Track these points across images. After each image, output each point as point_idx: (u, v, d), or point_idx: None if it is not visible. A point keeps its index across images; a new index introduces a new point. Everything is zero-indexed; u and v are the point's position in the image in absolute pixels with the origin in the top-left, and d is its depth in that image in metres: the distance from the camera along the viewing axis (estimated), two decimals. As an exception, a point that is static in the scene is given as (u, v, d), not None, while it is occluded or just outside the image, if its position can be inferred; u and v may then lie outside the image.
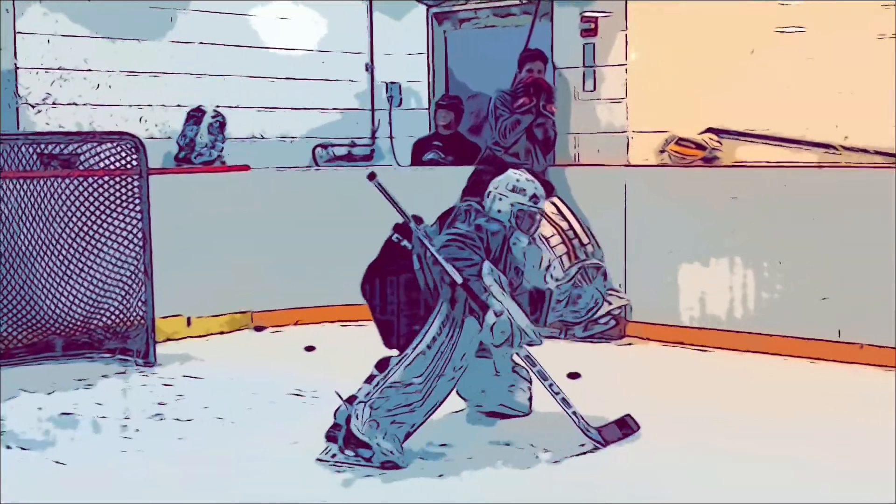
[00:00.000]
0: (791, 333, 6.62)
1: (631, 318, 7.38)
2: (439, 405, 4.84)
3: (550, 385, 5.00)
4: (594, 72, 7.71)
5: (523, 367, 5.24)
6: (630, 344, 7.23)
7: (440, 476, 4.58)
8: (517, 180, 5.09)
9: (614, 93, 7.63)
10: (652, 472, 4.61)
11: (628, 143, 7.59)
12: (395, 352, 4.96)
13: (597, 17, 7.66)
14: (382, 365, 4.93)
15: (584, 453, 4.83)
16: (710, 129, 7.48)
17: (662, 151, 7.52)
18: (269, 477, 4.64)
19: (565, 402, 4.95)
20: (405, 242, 4.95)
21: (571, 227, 7.39)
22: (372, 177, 4.91)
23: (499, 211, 5.04)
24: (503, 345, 4.83)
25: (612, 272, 7.40)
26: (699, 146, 7.44)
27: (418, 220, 5.01)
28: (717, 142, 7.47)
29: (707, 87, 7.34)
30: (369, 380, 4.91)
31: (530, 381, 5.33)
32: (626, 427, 5.03)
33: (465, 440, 5.03)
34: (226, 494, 4.40)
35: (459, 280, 4.75)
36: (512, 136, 7.46)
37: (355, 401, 4.81)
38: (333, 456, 4.80)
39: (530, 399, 5.38)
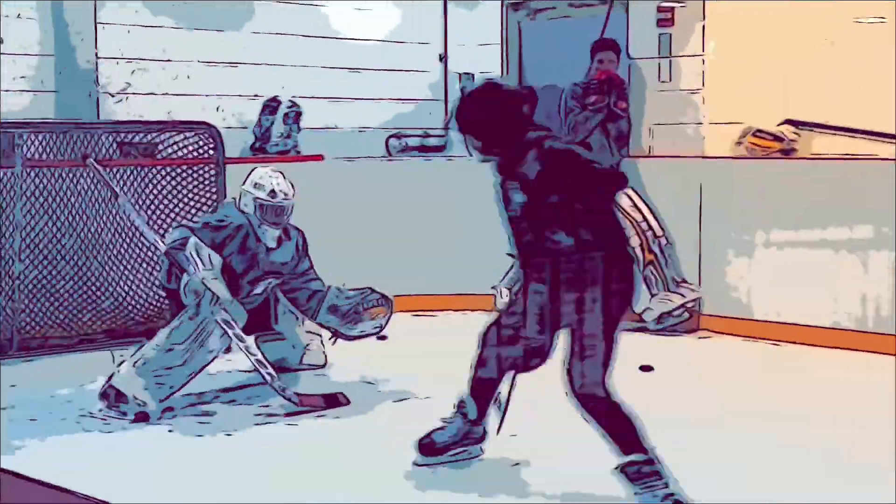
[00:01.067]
0: (864, 329, 6.53)
1: (704, 312, 7.32)
2: (198, 372, 5.33)
3: (247, 347, 5.47)
4: (670, 62, 7.66)
5: (312, 328, 5.98)
6: (704, 337, 7.19)
7: (459, 478, 4.56)
8: (260, 177, 5.66)
9: (690, 84, 7.57)
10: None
11: (704, 135, 7.52)
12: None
13: (673, 8, 7.60)
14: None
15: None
16: (787, 121, 7.39)
17: (739, 143, 7.44)
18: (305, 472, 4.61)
19: (260, 363, 5.40)
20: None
21: (645, 219, 7.34)
22: (85, 158, 6.00)
23: (245, 206, 5.64)
24: (193, 306, 5.35)
25: (685, 265, 7.36)
26: (777, 138, 7.35)
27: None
28: (796, 133, 7.38)
29: (785, 79, 7.25)
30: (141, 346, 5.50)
31: (320, 336, 6.01)
32: (334, 402, 5.37)
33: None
34: (268, 495, 4.37)
35: (163, 248, 5.52)
36: (581, 132, 7.42)
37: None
38: (100, 411, 5.26)
39: (324, 353, 6.07)
